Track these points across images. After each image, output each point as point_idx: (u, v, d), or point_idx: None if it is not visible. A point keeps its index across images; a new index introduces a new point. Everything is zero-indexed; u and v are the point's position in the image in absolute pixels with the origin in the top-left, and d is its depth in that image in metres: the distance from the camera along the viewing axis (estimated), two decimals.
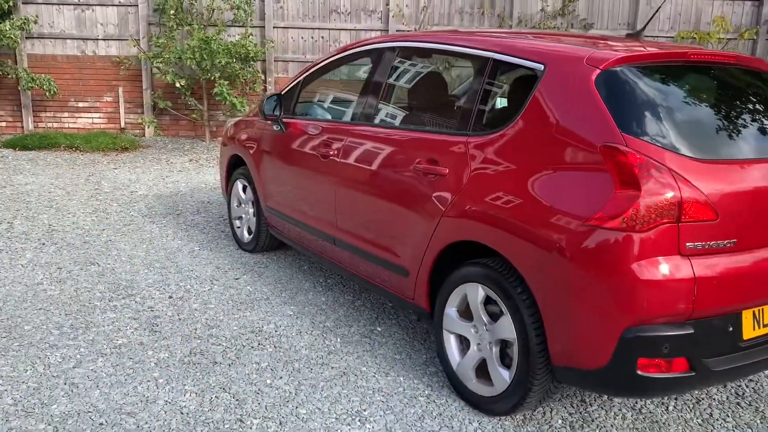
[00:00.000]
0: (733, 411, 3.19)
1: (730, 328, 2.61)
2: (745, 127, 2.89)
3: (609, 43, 3.08)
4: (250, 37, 9.49)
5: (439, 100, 3.57)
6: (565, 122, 2.76)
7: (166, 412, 3.00)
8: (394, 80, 3.77)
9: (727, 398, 3.30)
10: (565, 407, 3.16)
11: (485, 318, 3.03)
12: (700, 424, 3.07)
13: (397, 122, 3.73)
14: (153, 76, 9.83)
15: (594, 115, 2.66)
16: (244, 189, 5.20)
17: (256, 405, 3.09)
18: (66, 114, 10.01)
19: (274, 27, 9.96)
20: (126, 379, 3.27)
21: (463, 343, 3.23)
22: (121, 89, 9.91)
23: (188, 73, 9.49)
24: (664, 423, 3.07)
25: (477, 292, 3.03)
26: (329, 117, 4.38)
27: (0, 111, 9.95)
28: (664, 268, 2.46)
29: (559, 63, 2.87)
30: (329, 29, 10.08)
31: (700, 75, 3.01)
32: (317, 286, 4.58)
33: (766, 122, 2.93)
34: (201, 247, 5.30)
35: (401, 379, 3.38)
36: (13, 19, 9.28)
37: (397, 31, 9.98)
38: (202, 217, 6.21)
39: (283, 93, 4.63)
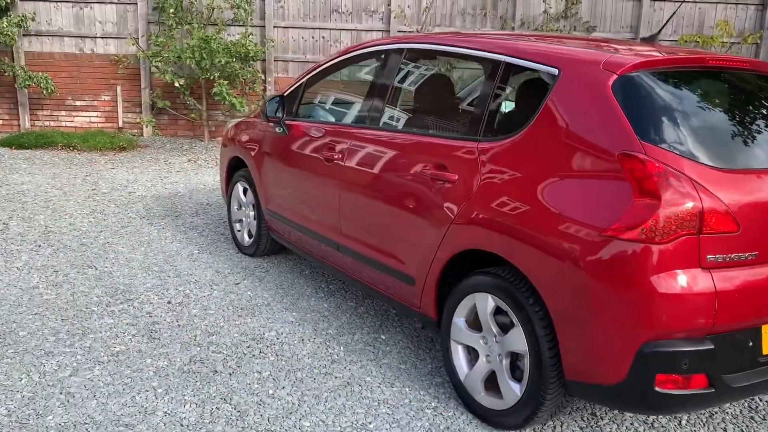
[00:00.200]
0: (747, 425, 3.11)
1: (750, 344, 2.53)
2: (762, 134, 2.81)
3: (624, 47, 2.99)
4: (250, 36, 9.40)
5: (447, 104, 3.49)
6: (581, 129, 2.67)
7: (165, 425, 2.91)
8: (401, 83, 3.68)
9: (741, 412, 3.22)
10: (575, 420, 3.08)
11: (495, 329, 2.94)
12: None
13: (403, 126, 3.64)
14: (152, 75, 9.73)
15: (611, 121, 2.58)
16: (245, 191, 5.11)
17: (258, 417, 3.00)
18: (63, 112, 9.90)
19: (274, 26, 9.86)
20: (124, 389, 3.17)
21: (471, 354, 3.14)
22: (119, 88, 9.81)
23: (187, 72, 9.39)
24: None
25: (487, 303, 2.94)
26: (333, 119, 4.29)
27: None
28: (684, 281, 2.38)
29: (574, 67, 2.78)
30: (330, 29, 9.99)
31: (717, 81, 2.93)
32: (319, 291, 4.49)
33: None
34: (200, 251, 5.20)
35: (407, 390, 3.29)
36: (10, 15, 9.16)
37: (398, 32, 9.89)
38: (201, 219, 6.11)
39: (285, 94, 4.54)
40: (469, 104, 3.34)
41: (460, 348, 3.16)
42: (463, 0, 9.96)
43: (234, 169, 5.30)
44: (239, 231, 5.24)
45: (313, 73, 4.40)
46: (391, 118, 3.66)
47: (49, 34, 9.65)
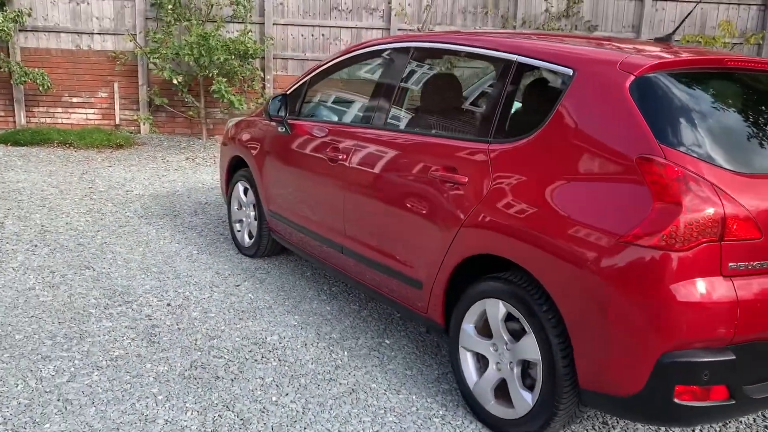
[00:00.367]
0: None
1: None
2: None
3: (639, 47, 2.91)
4: (249, 33, 9.30)
5: (456, 104, 3.40)
6: (596, 131, 2.59)
7: None
8: (408, 82, 3.59)
9: (754, 421, 3.15)
10: (586, 429, 3.00)
11: (506, 336, 2.86)
12: None
13: (410, 126, 3.55)
14: (149, 72, 9.63)
15: (628, 124, 2.50)
16: (246, 191, 5.02)
17: (261, 425, 2.91)
18: (59, 109, 9.78)
19: (273, 24, 9.76)
20: (123, 395, 3.08)
21: (481, 361, 3.06)
22: (116, 85, 9.70)
23: (185, 69, 9.29)
24: None
25: (498, 309, 2.86)
26: (338, 119, 4.20)
27: None
28: (705, 289, 2.31)
29: (590, 68, 2.70)
30: (330, 27, 9.89)
31: (736, 82, 2.86)
32: (321, 294, 4.41)
33: None
34: (200, 251, 5.11)
35: (414, 397, 3.21)
36: (6, 11, 9.05)
37: (398, 30, 9.81)
38: (200, 218, 6.02)
39: (288, 93, 4.45)
40: (479, 105, 3.26)
41: (468, 355, 3.08)
42: None
43: (234, 169, 5.21)
44: (239, 231, 5.15)
45: (317, 71, 4.32)
46: (397, 118, 3.58)
47: (46, 30, 9.53)
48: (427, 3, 9.76)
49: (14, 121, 9.70)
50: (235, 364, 3.44)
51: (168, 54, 8.94)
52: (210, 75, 9.05)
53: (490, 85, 3.14)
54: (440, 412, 3.09)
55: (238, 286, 4.47)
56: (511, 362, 2.85)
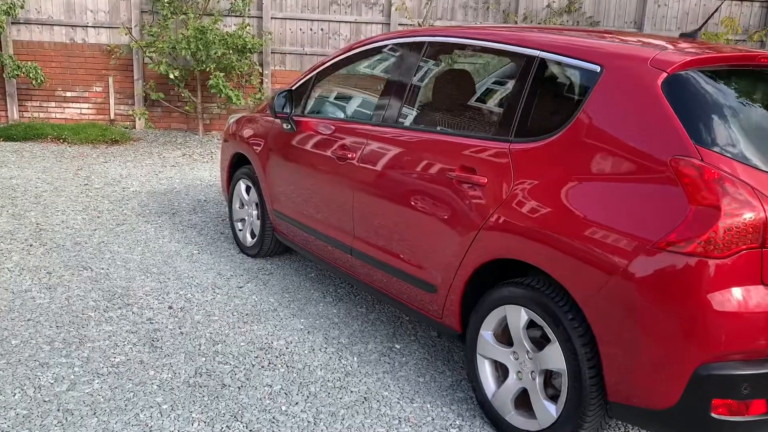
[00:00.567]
0: None
1: None
2: None
3: (668, 43, 2.79)
4: (248, 27, 9.14)
5: (474, 102, 3.27)
6: (626, 131, 2.47)
7: None
8: (422, 79, 3.46)
9: None
10: None
11: (528, 345, 2.74)
12: None
13: (424, 124, 3.42)
14: (145, 66, 9.45)
15: (662, 123, 2.38)
16: (248, 190, 4.88)
17: None
18: (53, 104, 9.60)
19: (272, 18, 9.60)
20: (126, 405, 2.95)
21: (499, 369, 2.95)
22: (111, 79, 9.52)
23: (182, 63, 9.12)
24: None
25: (519, 316, 2.74)
26: (346, 116, 4.06)
27: None
28: (745, 299, 2.19)
29: (618, 64, 2.58)
30: (329, 21, 9.74)
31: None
32: (327, 296, 4.27)
33: None
34: (200, 251, 4.97)
35: (428, 406, 3.09)
36: None
37: (399, 25, 9.67)
38: (199, 216, 5.87)
39: (293, 89, 4.31)
40: (498, 103, 3.13)
41: (486, 363, 2.96)
42: None
43: (235, 166, 5.07)
44: (241, 230, 5.01)
45: (324, 66, 4.18)
46: (409, 115, 3.44)
47: (39, 23, 9.33)
48: None
49: (6, 116, 9.51)
50: (242, 370, 3.31)
51: (164, 48, 8.77)
52: (207, 69, 8.89)
53: (509, 82, 3.01)
54: (457, 422, 2.97)
55: (241, 287, 4.33)
56: (533, 371, 2.73)
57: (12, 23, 9.20)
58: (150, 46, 8.95)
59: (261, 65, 9.67)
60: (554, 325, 2.58)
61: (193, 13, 9.00)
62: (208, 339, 3.60)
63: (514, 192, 2.72)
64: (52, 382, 3.09)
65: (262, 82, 9.69)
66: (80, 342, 3.48)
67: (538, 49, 2.86)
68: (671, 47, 2.66)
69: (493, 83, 3.23)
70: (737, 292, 2.19)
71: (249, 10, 9.36)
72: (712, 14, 3.42)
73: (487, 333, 2.91)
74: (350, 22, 9.74)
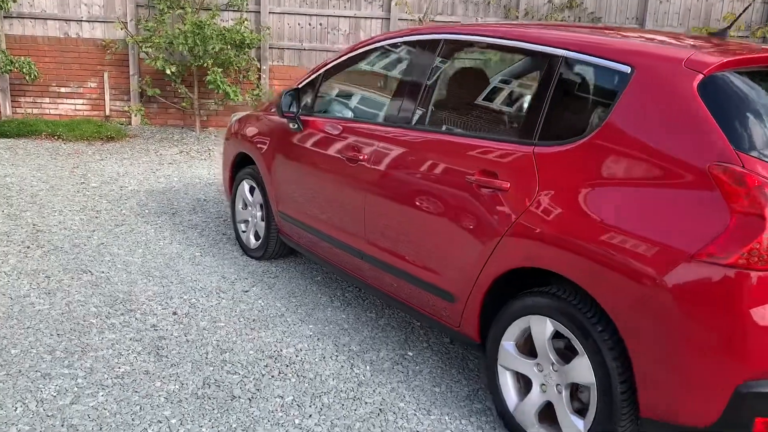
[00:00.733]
0: None
1: None
2: None
3: (700, 43, 2.68)
4: (246, 22, 8.98)
5: (493, 103, 3.15)
6: (660, 135, 2.36)
7: None
8: (438, 78, 3.33)
9: None
10: None
11: (553, 357, 2.64)
12: None
13: (440, 126, 3.29)
14: (140, 62, 9.29)
15: (698, 128, 2.27)
16: (251, 190, 4.75)
17: None
18: (47, 100, 9.42)
19: (270, 12, 9.45)
20: (133, 419, 2.82)
21: (521, 381, 2.84)
22: (106, 74, 9.35)
23: (178, 59, 8.96)
24: None
25: (545, 327, 2.63)
26: (357, 117, 3.92)
27: None
28: None
29: (651, 65, 2.46)
30: (327, 16, 9.60)
31: None
32: (335, 300, 4.16)
33: None
34: (202, 253, 4.84)
35: (446, 418, 2.98)
36: None
37: (399, 20, 9.53)
38: (200, 216, 5.74)
39: (300, 87, 4.18)
40: (520, 104, 3.01)
41: (508, 374, 2.85)
42: None
43: (238, 166, 4.93)
44: (244, 232, 4.88)
45: (332, 64, 4.04)
46: (425, 117, 3.32)
47: (32, 17, 9.15)
48: None
49: None
50: (251, 380, 3.19)
51: (161, 43, 8.60)
52: (204, 65, 8.73)
53: (532, 83, 2.89)
54: None
55: (246, 291, 4.21)
56: (558, 384, 2.63)
57: (4, 17, 9.02)
58: (146, 41, 8.78)
59: (259, 60, 9.53)
60: (582, 337, 2.48)
61: (190, 8, 8.83)
62: (215, 347, 3.48)
63: (539, 198, 2.61)
64: (54, 394, 2.97)
65: (260, 78, 9.54)
66: (83, 351, 3.35)
67: (563, 48, 2.75)
68: (703, 47, 2.55)
69: (514, 84, 3.11)
70: None
71: (247, 4, 9.21)
72: (742, 12, 3.30)
73: (508, 344, 2.81)
74: (349, 16, 9.59)
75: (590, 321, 2.45)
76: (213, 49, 8.51)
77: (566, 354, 2.65)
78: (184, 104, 9.40)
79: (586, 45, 2.69)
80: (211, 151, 8.46)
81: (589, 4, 9.83)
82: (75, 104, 9.47)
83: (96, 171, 7.13)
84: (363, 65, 3.92)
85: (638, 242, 2.29)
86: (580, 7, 9.81)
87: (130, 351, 3.39)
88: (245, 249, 4.86)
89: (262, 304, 4.04)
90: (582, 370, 2.51)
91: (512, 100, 3.07)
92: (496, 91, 3.16)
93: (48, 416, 2.81)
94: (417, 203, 3.16)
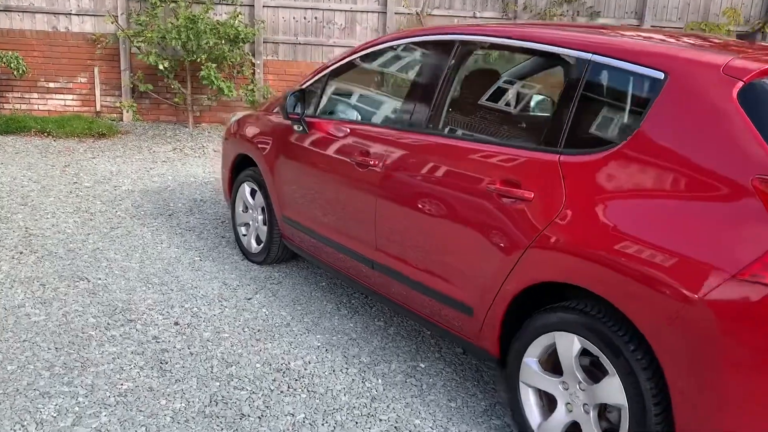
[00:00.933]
0: None
1: None
2: None
3: (734, 46, 2.56)
4: (240, 16, 8.79)
5: (515, 108, 3.03)
6: (696, 146, 2.24)
7: None
8: (456, 81, 3.19)
9: None
10: None
11: (580, 375, 2.52)
12: None
13: (458, 131, 3.16)
14: (132, 57, 9.08)
15: (739, 138, 2.15)
16: (253, 193, 4.60)
17: None
18: (35, 95, 9.21)
19: (264, 6, 9.26)
20: None
21: (544, 398, 2.73)
22: (96, 69, 9.14)
23: (171, 53, 8.76)
24: None
25: (572, 345, 2.51)
26: (367, 119, 3.79)
27: None
28: None
29: (686, 71, 2.34)
30: (323, 9, 9.42)
31: None
32: (341, 308, 4.03)
33: None
34: (202, 257, 4.70)
35: None
36: None
37: (395, 13, 9.38)
38: (197, 218, 5.59)
39: (304, 88, 4.04)
40: (544, 110, 2.88)
41: (530, 392, 2.74)
42: None
43: (238, 167, 4.78)
44: (245, 236, 4.74)
45: (339, 64, 3.90)
46: (440, 121, 3.18)
47: (19, 10, 8.92)
48: None
49: None
50: (260, 396, 3.06)
51: (153, 38, 8.41)
52: (198, 60, 8.55)
53: (556, 88, 2.76)
54: None
55: (249, 299, 4.07)
56: (585, 404, 2.52)
57: None
58: (138, 35, 8.58)
59: (253, 55, 9.35)
60: (613, 356, 2.37)
61: (183, 1, 8.63)
62: (220, 360, 3.35)
63: (567, 209, 2.49)
64: (55, 415, 2.82)
65: (254, 73, 9.36)
66: (82, 366, 3.21)
67: (590, 52, 2.62)
68: (740, 52, 2.43)
69: (536, 88, 2.99)
70: None
71: None
72: None
73: (531, 360, 2.69)
74: (345, 10, 9.43)
75: (622, 339, 2.34)
76: (207, 44, 8.33)
77: (592, 371, 2.53)
78: (176, 100, 9.22)
79: (614, 48, 2.56)
80: (205, 148, 8.30)
81: None
82: (64, 100, 9.26)
83: (88, 170, 6.96)
84: (373, 66, 3.78)
85: (675, 259, 2.18)
86: (578, 1, 9.69)
87: (132, 365, 3.25)
88: (246, 253, 4.72)
89: (267, 312, 3.91)
90: (612, 390, 2.40)
91: (535, 105, 2.95)
92: (516, 95, 3.03)
93: None
94: (432, 212, 3.04)
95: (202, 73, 8.43)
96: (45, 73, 9.13)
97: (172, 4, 8.64)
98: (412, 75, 3.50)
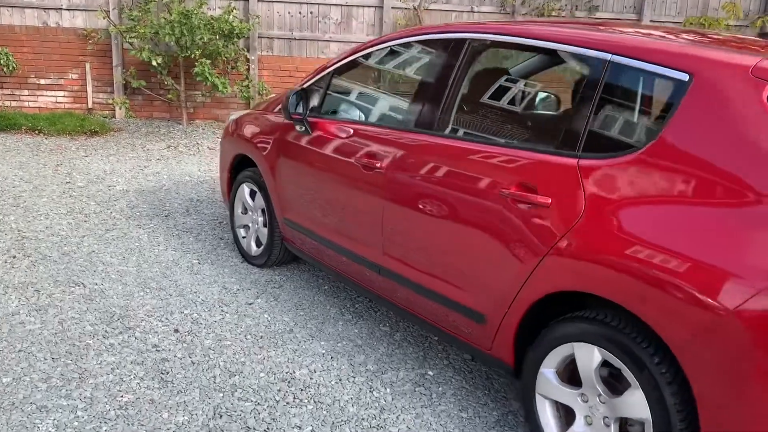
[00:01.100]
0: None
1: None
2: None
3: (757, 46, 2.47)
4: (234, 11, 8.65)
5: (530, 110, 2.92)
6: (724, 152, 2.15)
7: None
8: (468, 80, 3.09)
9: None
10: None
11: (600, 387, 2.43)
12: None
13: (469, 133, 3.05)
14: (125, 52, 8.93)
15: None
16: (252, 194, 4.49)
17: None
18: (26, 92, 9.04)
19: (258, 0, 9.12)
20: None
21: (561, 410, 2.64)
22: (88, 66, 8.98)
23: (164, 49, 8.62)
24: None
25: (592, 356, 2.42)
26: (373, 120, 3.68)
27: None
28: None
29: (712, 73, 2.25)
30: (318, 4, 9.29)
31: None
32: (345, 312, 3.93)
33: None
34: (200, 260, 4.58)
35: None
36: None
37: (392, 8, 9.25)
38: (194, 219, 5.47)
39: (306, 87, 3.92)
40: (561, 112, 2.78)
41: (547, 404, 2.65)
42: None
43: (237, 167, 4.67)
44: (244, 238, 4.63)
45: (342, 62, 3.78)
46: (451, 122, 3.08)
47: (9, 5, 8.74)
48: None
49: None
50: (265, 408, 2.96)
51: (146, 34, 8.25)
52: (191, 56, 8.40)
53: (575, 89, 2.67)
54: None
55: (250, 304, 3.97)
56: (606, 417, 2.43)
57: None
58: (130, 31, 8.43)
59: (247, 50, 9.21)
60: (637, 369, 2.28)
61: None
62: (222, 369, 3.24)
63: (588, 215, 2.39)
64: (53, 431, 2.71)
65: (249, 69, 9.22)
66: (81, 378, 3.10)
67: (609, 52, 2.52)
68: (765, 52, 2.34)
69: (554, 89, 2.89)
70: None
71: None
72: None
73: (548, 371, 2.60)
74: (341, 5, 9.29)
75: (646, 352, 2.25)
76: (201, 39, 8.19)
77: (612, 383, 2.45)
78: (170, 96, 9.07)
79: (634, 48, 2.46)
80: (199, 145, 8.17)
81: None
82: (56, 96, 9.09)
83: (81, 169, 6.82)
84: (378, 64, 3.67)
85: (703, 269, 2.08)
86: None
87: (132, 376, 3.14)
88: (245, 256, 4.61)
89: (269, 318, 3.80)
90: (635, 404, 2.31)
91: (552, 107, 2.85)
92: (531, 97, 2.93)
93: None
94: (443, 217, 2.94)
95: (196, 69, 8.29)
96: (35, 70, 8.97)
97: None
98: (420, 74, 3.39)
